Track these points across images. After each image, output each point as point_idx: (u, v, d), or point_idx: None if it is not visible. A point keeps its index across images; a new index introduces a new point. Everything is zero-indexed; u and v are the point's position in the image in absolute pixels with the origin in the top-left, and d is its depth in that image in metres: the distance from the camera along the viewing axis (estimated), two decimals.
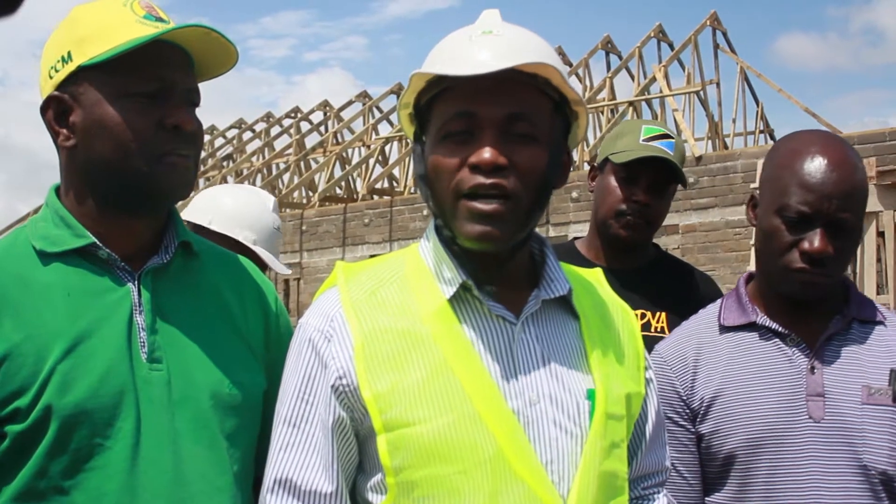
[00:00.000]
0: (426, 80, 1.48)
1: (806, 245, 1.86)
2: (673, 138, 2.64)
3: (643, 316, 2.61)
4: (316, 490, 1.46)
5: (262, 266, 2.96)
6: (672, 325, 2.56)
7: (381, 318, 1.47)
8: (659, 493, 1.68)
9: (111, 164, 1.56)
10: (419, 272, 1.53)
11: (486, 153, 1.42)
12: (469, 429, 1.41)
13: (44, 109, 1.60)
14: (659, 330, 2.57)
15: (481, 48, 1.45)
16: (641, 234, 2.63)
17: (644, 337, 2.56)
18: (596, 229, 2.70)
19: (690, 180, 12.99)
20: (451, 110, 1.45)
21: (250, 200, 3.06)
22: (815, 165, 1.88)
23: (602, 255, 2.68)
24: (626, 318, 1.67)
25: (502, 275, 1.52)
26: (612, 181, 2.61)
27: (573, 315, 1.57)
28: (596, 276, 1.70)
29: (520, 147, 1.44)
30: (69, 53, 1.58)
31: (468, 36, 1.48)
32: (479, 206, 1.43)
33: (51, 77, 1.60)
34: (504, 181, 1.42)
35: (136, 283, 1.59)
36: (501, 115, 1.43)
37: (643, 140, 2.59)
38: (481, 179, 1.42)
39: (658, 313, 2.60)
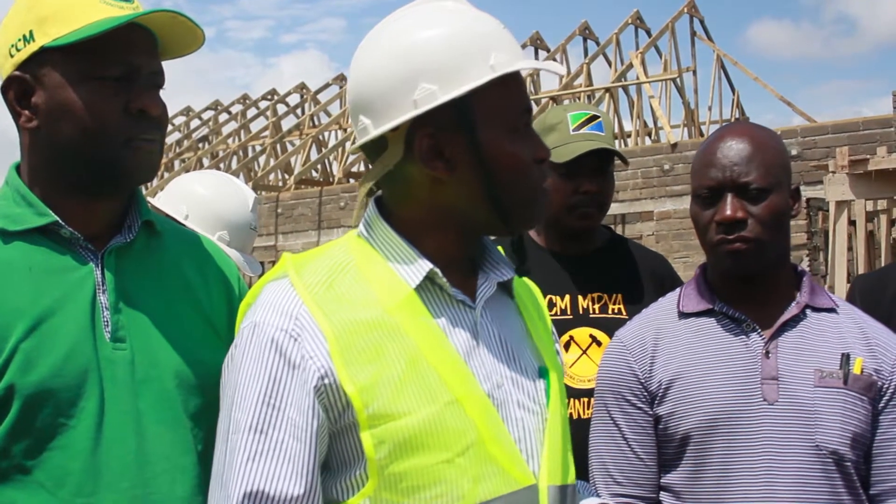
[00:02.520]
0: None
1: (717, 216, 1.96)
2: (600, 117, 2.66)
3: (600, 298, 2.64)
4: (290, 497, 1.37)
5: None
6: (628, 305, 2.59)
7: (347, 312, 1.43)
8: None
9: (75, 147, 1.55)
10: (371, 261, 1.49)
11: (547, 149, 1.53)
12: (453, 417, 1.41)
13: (5, 89, 1.59)
14: (616, 311, 2.60)
15: (514, 43, 1.51)
16: (596, 220, 2.68)
17: (603, 319, 2.60)
18: (552, 223, 2.71)
19: (666, 167, 13.05)
20: (516, 105, 1.49)
21: (229, 197, 2.97)
22: (717, 144, 2.01)
23: (556, 242, 2.71)
24: (538, 295, 1.73)
25: (461, 261, 1.54)
26: (556, 178, 2.58)
27: (510, 296, 1.61)
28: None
29: None
30: (31, 33, 1.55)
31: (497, 21, 1.52)
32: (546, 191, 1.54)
33: (11, 56, 1.57)
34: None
35: (99, 262, 1.58)
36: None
37: (573, 130, 2.60)
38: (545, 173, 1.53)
39: (615, 295, 2.63)
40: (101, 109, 1.54)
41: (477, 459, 1.41)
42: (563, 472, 1.51)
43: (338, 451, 1.42)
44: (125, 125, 1.55)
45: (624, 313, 2.57)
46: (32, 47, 1.55)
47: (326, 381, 1.39)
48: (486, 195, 1.47)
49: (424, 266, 1.47)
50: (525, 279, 1.69)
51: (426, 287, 1.49)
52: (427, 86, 1.44)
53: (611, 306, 2.61)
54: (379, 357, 1.41)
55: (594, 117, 2.64)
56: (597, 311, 2.60)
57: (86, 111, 1.53)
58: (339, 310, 1.43)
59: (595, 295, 2.63)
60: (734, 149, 1.96)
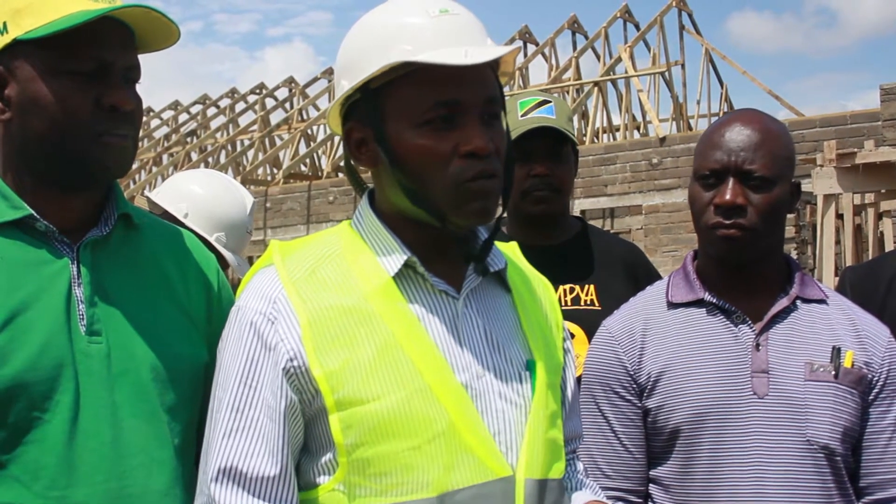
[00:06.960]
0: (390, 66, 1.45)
1: (717, 198, 1.94)
2: (551, 102, 2.65)
3: (572, 290, 2.64)
4: (262, 476, 1.43)
5: (224, 265, 2.90)
6: (601, 296, 2.59)
7: (325, 297, 1.46)
8: (577, 458, 1.74)
9: (46, 142, 1.54)
10: (357, 249, 1.52)
11: (482, 141, 1.45)
12: (422, 404, 1.42)
13: None
14: (589, 303, 2.60)
15: (457, 32, 1.46)
16: (554, 205, 2.65)
17: (576, 311, 2.60)
18: (512, 213, 2.71)
19: (655, 161, 13.06)
20: (429, 97, 1.44)
21: (230, 200, 2.99)
22: (726, 128, 1.98)
23: (525, 233, 2.69)
24: (546, 290, 1.71)
25: (447, 251, 1.53)
26: None
27: (505, 289, 1.60)
28: (513, 250, 1.72)
29: (493, 129, 1.48)
30: (4, 24, 1.54)
31: (425, 11, 1.47)
32: (486, 184, 1.46)
33: None
34: (493, 165, 1.47)
35: (74, 255, 1.57)
36: (481, 101, 1.46)
37: (521, 116, 2.60)
38: (482, 166, 1.45)
39: (587, 286, 2.63)
40: (71, 104, 1.52)
41: (449, 447, 1.41)
42: (545, 466, 1.50)
43: (315, 434, 1.46)
44: (96, 120, 1.54)
45: (597, 304, 2.56)
46: (5, 39, 1.54)
47: (295, 363, 1.43)
48: (403, 189, 1.49)
49: (403, 255, 1.49)
50: (537, 273, 1.71)
51: (407, 276, 1.50)
52: (343, 81, 1.52)
53: (583, 297, 2.59)
54: (352, 343, 1.43)
55: (544, 102, 2.64)
56: (569, 303, 2.59)
57: (56, 105, 1.52)
58: (317, 295, 1.46)
59: (567, 287, 2.62)
60: (743, 134, 1.94)
